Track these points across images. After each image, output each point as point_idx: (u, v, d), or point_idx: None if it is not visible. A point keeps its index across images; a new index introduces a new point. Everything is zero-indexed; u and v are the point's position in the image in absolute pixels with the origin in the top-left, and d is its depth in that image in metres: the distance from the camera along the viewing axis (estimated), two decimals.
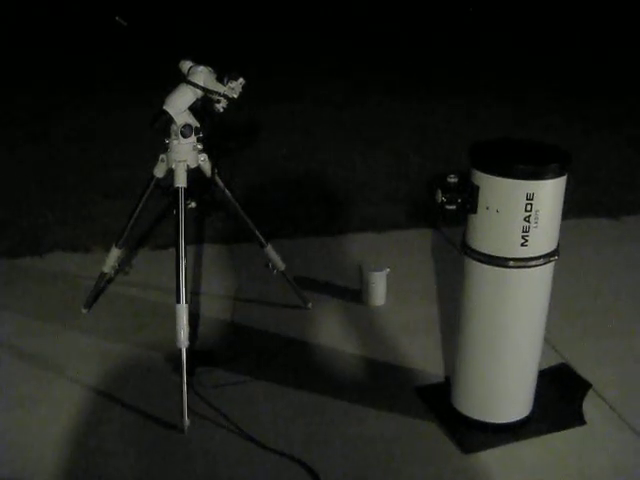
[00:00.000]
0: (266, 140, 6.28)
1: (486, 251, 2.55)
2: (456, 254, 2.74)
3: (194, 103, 3.03)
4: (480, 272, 2.60)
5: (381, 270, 3.76)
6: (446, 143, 6.35)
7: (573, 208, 4.81)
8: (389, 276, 3.79)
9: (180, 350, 2.87)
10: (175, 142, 3.04)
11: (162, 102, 3.00)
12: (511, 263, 2.52)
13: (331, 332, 3.57)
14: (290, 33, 11.41)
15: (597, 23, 12.41)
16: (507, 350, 2.70)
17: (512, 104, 7.87)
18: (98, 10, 7.73)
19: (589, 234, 4.73)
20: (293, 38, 11.11)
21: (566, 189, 2.51)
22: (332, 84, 8.56)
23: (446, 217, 2.59)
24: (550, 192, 2.46)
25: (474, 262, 2.61)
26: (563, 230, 2.62)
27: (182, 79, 3.00)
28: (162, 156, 3.12)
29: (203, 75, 3.00)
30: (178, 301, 2.90)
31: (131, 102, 7.12)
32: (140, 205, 3.29)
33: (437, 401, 3.01)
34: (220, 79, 3.01)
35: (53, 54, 9.76)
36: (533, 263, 2.53)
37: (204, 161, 3.14)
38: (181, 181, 3.03)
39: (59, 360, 3.29)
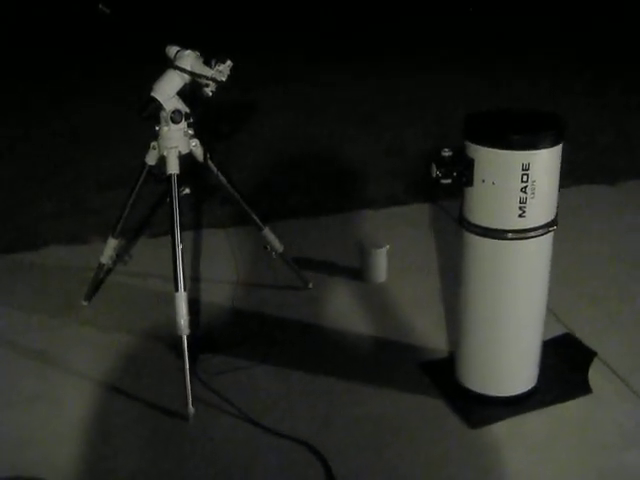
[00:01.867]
0: (261, 122, 6.25)
1: (484, 224, 2.52)
2: (456, 228, 2.71)
3: (182, 88, 3.00)
4: (478, 245, 2.58)
5: (381, 247, 3.74)
6: (442, 117, 6.31)
7: (570, 175, 4.80)
8: (389, 253, 3.77)
9: (181, 338, 2.86)
10: (165, 129, 3.01)
11: (150, 89, 2.97)
12: (509, 235, 2.49)
13: (333, 311, 3.56)
14: (284, 18, 11.34)
15: None
16: (510, 322, 2.69)
17: (508, 74, 7.84)
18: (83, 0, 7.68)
19: (587, 201, 4.71)
20: (287, 22, 11.05)
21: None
22: (326, 65, 8.52)
23: (442, 191, 2.57)
24: (546, 161, 2.43)
25: (472, 235, 2.58)
26: (560, 198, 2.60)
27: (169, 65, 2.97)
28: (153, 143, 3.09)
29: (190, 59, 2.96)
30: (176, 289, 2.88)
31: (121, 90, 7.07)
32: (134, 194, 3.27)
33: (442, 376, 2.99)
34: (207, 62, 2.98)
35: (42, 47, 9.71)
36: (532, 234, 2.50)
37: (196, 146, 3.12)
38: (173, 168, 3.00)
39: (61, 354, 3.27)
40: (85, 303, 3.64)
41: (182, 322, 2.86)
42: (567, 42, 9.33)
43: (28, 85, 8.00)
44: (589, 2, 11.47)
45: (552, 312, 3.31)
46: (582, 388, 2.92)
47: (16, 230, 4.45)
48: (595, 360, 3.08)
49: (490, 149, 2.40)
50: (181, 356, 2.84)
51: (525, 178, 2.39)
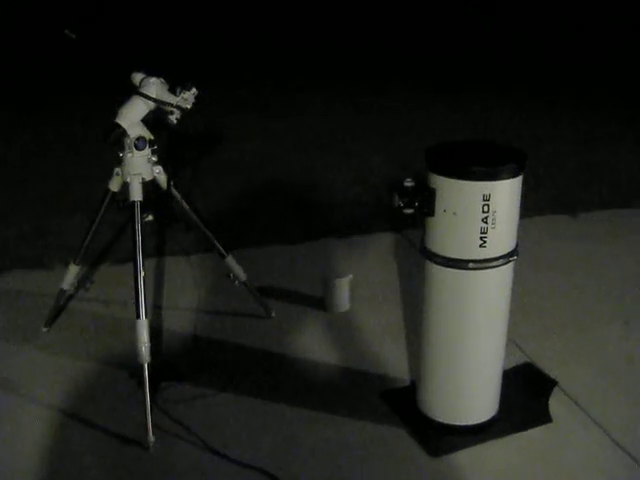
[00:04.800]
0: (226, 149, 6.25)
1: (445, 254, 2.54)
2: (418, 257, 2.73)
3: (147, 115, 3.00)
4: (440, 275, 2.59)
5: (344, 276, 3.75)
6: (407, 146, 6.36)
7: (531, 206, 4.86)
8: (352, 282, 3.77)
9: (142, 366, 2.84)
10: (129, 155, 3.00)
11: (115, 114, 2.97)
12: (470, 265, 2.51)
13: (295, 341, 3.55)
14: (253, 42, 11.40)
15: (566, 22, 12.54)
16: (470, 351, 2.70)
17: (472, 106, 7.94)
18: (49, 23, 7.65)
19: (548, 231, 4.77)
20: (256, 48, 11.10)
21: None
22: (291, 91, 8.57)
23: (406, 220, 2.59)
24: (506, 192, 2.46)
25: (434, 265, 2.60)
26: (522, 227, 2.63)
27: (134, 91, 2.97)
28: (117, 169, 3.08)
29: (155, 86, 2.96)
30: (138, 316, 2.87)
31: (87, 115, 7.04)
32: (97, 220, 3.24)
33: (403, 405, 3.00)
34: (173, 90, 2.98)
35: (7, 68, 9.66)
36: (493, 264, 2.53)
37: (159, 173, 3.11)
38: (137, 194, 2.99)
39: (20, 380, 3.23)
40: (45, 329, 3.59)
41: (143, 349, 2.84)
42: (527, 75, 9.47)
43: None
44: (558, 35, 11.68)
45: (513, 341, 3.33)
46: (542, 417, 2.94)
47: None
48: (555, 389, 3.11)
49: (451, 180, 2.43)
50: (142, 384, 2.82)
51: (486, 208, 2.42)
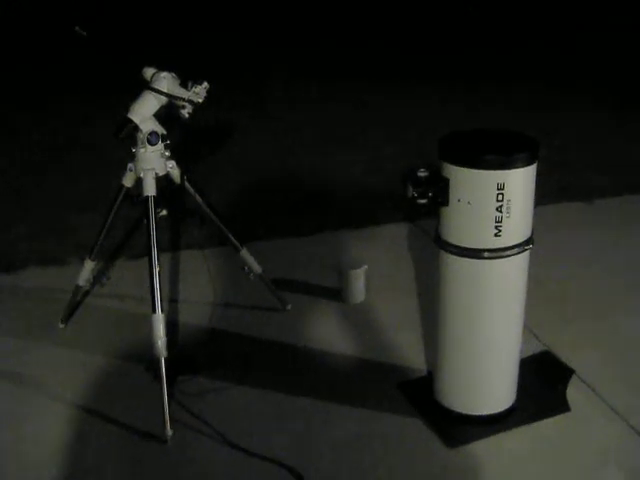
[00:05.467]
0: (239, 142, 6.25)
1: (460, 243, 2.53)
2: (433, 247, 2.72)
3: (159, 110, 3.00)
4: (455, 265, 2.58)
5: (359, 267, 3.74)
6: (421, 137, 6.33)
7: (547, 193, 4.84)
8: (368, 273, 3.77)
9: (159, 360, 2.84)
10: (142, 150, 3.01)
11: (126, 110, 2.97)
12: (486, 254, 2.50)
13: (311, 332, 3.55)
14: (253, 42, 11.39)
15: (570, 12, 12.47)
16: (487, 341, 2.69)
17: (483, 93, 7.90)
18: (61, 19, 7.67)
19: (563, 218, 4.75)
20: (262, 40, 11.09)
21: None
22: (303, 84, 8.55)
23: (420, 210, 2.58)
24: (520, 181, 2.45)
25: (449, 255, 2.59)
26: (537, 215, 2.61)
27: (145, 86, 2.97)
28: (130, 165, 3.09)
29: (166, 81, 2.96)
30: (154, 311, 2.87)
31: (100, 111, 7.04)
32: (111, 216, 3.26)
33: (420, 396, 2.99)
34: (184, 84, 2.98)
35: (17, 65, 9.68)
36: (508, 253, 2.51)
37: (172, 168, 3.11)
38: (150, 189, 3.00)
39: (37, 377, 3.24)
40: (62, 325, 3.61)
41: (159, 344, 2.85)
42: (527, 74, 9.41)
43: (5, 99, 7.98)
44: (571, 26, 11.63)
45: (530, 330, 3.32)
46: (560, 406, 2.92)
47: None
48: (573, 378, 3.09)
49: (465, 169, 2.41)
50: (158, 378, 2.83)
51: (500, 197, 2.41)
